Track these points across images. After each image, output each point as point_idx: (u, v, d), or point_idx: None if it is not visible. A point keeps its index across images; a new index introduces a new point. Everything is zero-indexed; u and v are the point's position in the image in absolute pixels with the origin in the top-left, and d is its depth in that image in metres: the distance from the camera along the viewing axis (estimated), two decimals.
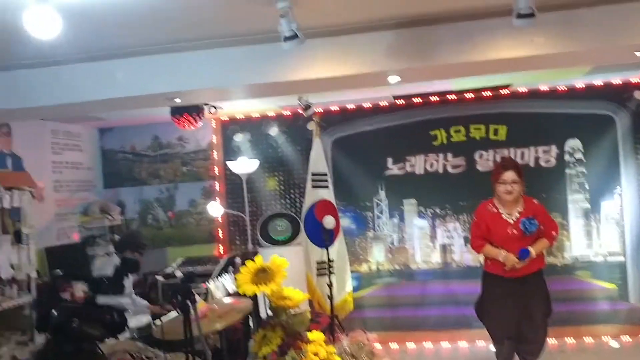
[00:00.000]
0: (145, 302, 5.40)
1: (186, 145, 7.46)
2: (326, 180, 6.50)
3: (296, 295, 3.66)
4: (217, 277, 5.01)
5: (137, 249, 5.32)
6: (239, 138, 7.11)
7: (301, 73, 4.25)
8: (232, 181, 7.19)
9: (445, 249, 6.82)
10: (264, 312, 4.19)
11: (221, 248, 7.24)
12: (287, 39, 3.55)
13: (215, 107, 6.11)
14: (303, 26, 3.59)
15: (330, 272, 5.77)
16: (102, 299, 2.91)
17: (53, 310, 2.50)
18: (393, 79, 4.49)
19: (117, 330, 2.91)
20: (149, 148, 7.51)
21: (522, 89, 6.59)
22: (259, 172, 6.99)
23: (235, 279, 4.03)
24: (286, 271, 3.56)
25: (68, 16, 3.05)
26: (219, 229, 7.29)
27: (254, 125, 7.16)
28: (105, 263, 5.46)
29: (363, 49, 4.14)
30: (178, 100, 4.82)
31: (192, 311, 3.12)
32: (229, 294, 4.89)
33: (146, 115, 6.68)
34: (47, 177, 6.47)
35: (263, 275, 3.61)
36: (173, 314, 3.87)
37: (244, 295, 3.93)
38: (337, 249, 6.34)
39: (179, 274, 3.43)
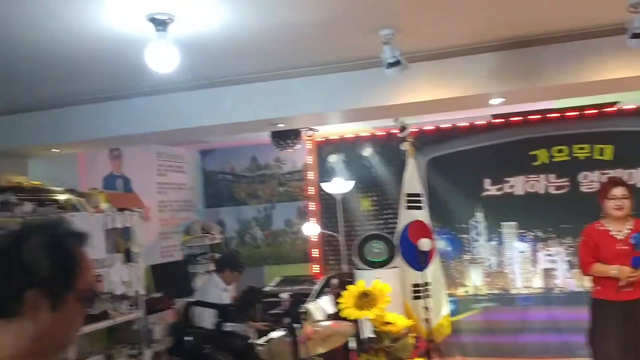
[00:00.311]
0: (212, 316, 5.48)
1: (283, 166, 7.63)
2: (420, 201, 6.43)
3: (399, 321, 3.65)
4: (315, 299, 5.06)
5: (236, 267, 5.45)
6: (333, 159, 7.19)
7: (402, 97, 4.27)
8: (326, 201, 7.26)
9: (547, 273, 6.56)
10: (365, 335, 4.20)
11: (315, 268, 7.32)
12: (390, 65, 3.58)
13: (312, 130, 6.23)
14: (404, 51, 3.62)
15: (427, 296, 5.69)
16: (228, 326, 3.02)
17: (186, 337, 2.62)
18: (496, 101, 4.41)
19: (244, 357, 3.00)
20: (247, 169, 7.75)
21: (630, 106, 6.28)
22: (353, 192, 7.02)
23: (337, 302, 4.08)
24: (389, 296, 3.57)
25: (182, 47, 3.21)
26: (313, 249, 7.38)
27: (348, 146, 7.22)
28: (206, 282, 5.63)
29: (465, 72, 4.11)
30: (281, 126, 4.96)
31: (299, 334, 3.18)
32: (327, 316, 4.92)
33: (245, 138, 6.91)
34: (152, 197, 6.80)
35: (366, 299, 3.64)
36: (274, 332, 3.95)
37: (343, 318, 3.97)
38: (433, 272, 6.24)
39: (285, 295, 3.48)
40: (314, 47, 3.89)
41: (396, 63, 3.57)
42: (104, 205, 5.41)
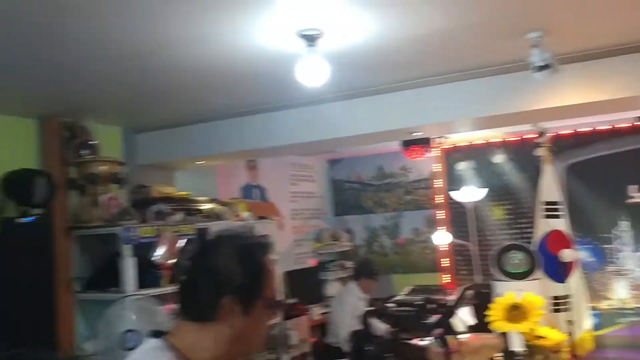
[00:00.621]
0: (385, 326, 5.49)
1: (409, 175, 7.59)
2: (559, 210, 6.13)
3: (553, 335, 3.50)
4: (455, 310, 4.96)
5: (372, 275, 5.48)
6: (463, 166, 7.05)
7: (546, 102, 4.10)
8: (455, 209, 7.13)
9: None
10: (513, 349, 4.06)
11: (446, 278, 7.19)
12: (540, 69, 3.46)
13: (443, 137, 6.15)
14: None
15: (567, 309, 5.42)
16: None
17: (367, 346, 2.68)
18: None
19: None
20: (374, 178, 7.79)
21: None
22: (484, 200, 6.84)
23: (479, 313, 3.98)
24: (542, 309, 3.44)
25: (329, 61, 3.28)
26: (443, 258, 7.25)
27: (477, 153, 7.06)
28: (344, 290, 5.69)
29: (618, 73, 3.88)
30: (419, 134, 4.94)
31: (449, 345, 3.14)
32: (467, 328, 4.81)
33: (372, 147, 6.94)
34: (286, 206, 7.00)
35: (515, 312, 3.52)
36: (416, 341, 3.90)
37: (483, 330, 3.86)
38: (574, 284, 5.93)
39: (431, 305, 3.47)
40: (455, 54, 3.84)
41: (546, 66, 3.45)
42: (244, 214, 5.65)
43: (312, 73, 3.23)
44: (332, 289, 6.94)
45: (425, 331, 3.35)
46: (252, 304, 1.54)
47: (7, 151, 4.44)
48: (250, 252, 1.60)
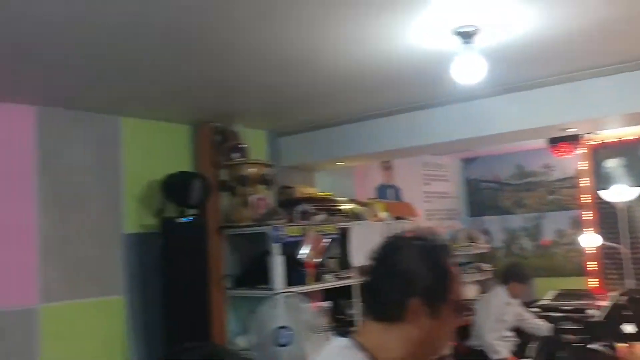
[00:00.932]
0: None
1: (552, 173, 7.22)
2: None
3: None
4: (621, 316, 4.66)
5: (523, 280, 5.27)
6: (612, 163, 6.62)
7: None
8: (604, 210, 6.70)
9: None
10: None
11: (592, 282, 6.77)
12: None
13: (592, 133, 5.81)
14: None
15: None
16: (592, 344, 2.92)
17: (559, 353, 2.61)
18: None
19: None
20: (512, 177, 7.49)
21: None
22: (636, 200, 6.37)
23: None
24: None
25: (484, 56, 3.19)
26: (590, 262, 6.84)
27: (628, 149, 6.58)
28: (489, 294, 5.52)
29: None
30: (573, 130, 4.69)
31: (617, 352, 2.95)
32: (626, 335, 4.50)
33: (509, 145, 6.69)
34: (420, 206, 6.93)
35: None
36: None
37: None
38: None
39: (593, 312, 3.27)
40: (616, 45, 3.59)
41: None
42: (382, 214, 5.66)
43: (469, 70, 3.17)
44: (469, 291, 6.76)
45: (612, 337, 3.15)
46: (439, 306, 1.52)
47: (166, 155, 4.76)
48: (435, 253, 1.58)
